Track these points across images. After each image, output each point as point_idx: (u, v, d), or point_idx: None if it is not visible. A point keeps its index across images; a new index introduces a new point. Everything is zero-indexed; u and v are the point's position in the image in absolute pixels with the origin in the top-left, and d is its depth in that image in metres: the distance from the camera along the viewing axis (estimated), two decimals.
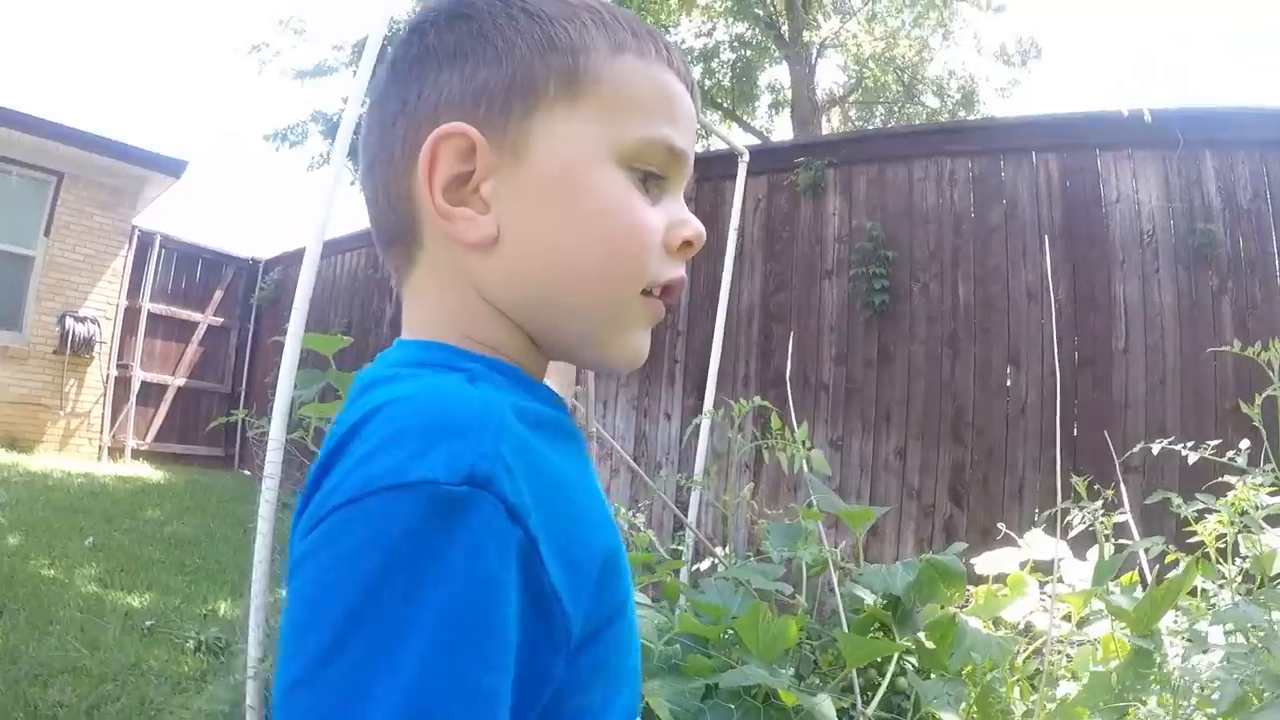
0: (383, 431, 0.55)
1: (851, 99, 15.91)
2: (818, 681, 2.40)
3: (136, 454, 11.48)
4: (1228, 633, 2.04)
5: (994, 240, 5.07)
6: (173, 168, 11.31)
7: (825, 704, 1.94)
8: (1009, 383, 4.87)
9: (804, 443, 2.82)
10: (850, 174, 5.79)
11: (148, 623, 4.42)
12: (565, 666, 0.56)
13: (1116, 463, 3.19)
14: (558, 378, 0.85)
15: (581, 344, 0.71)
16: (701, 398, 5.37)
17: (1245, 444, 2.43)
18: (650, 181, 0.70)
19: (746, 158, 4.85)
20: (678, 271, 0.71)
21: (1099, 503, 2.66)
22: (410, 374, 0.64)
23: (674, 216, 0.71)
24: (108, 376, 11.16)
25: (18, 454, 9.74)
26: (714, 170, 6.40)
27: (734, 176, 5.54)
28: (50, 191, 10.78)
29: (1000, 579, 2.81)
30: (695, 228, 0.71)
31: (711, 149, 7.41)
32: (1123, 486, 3.02)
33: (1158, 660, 2.05)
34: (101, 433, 11.18)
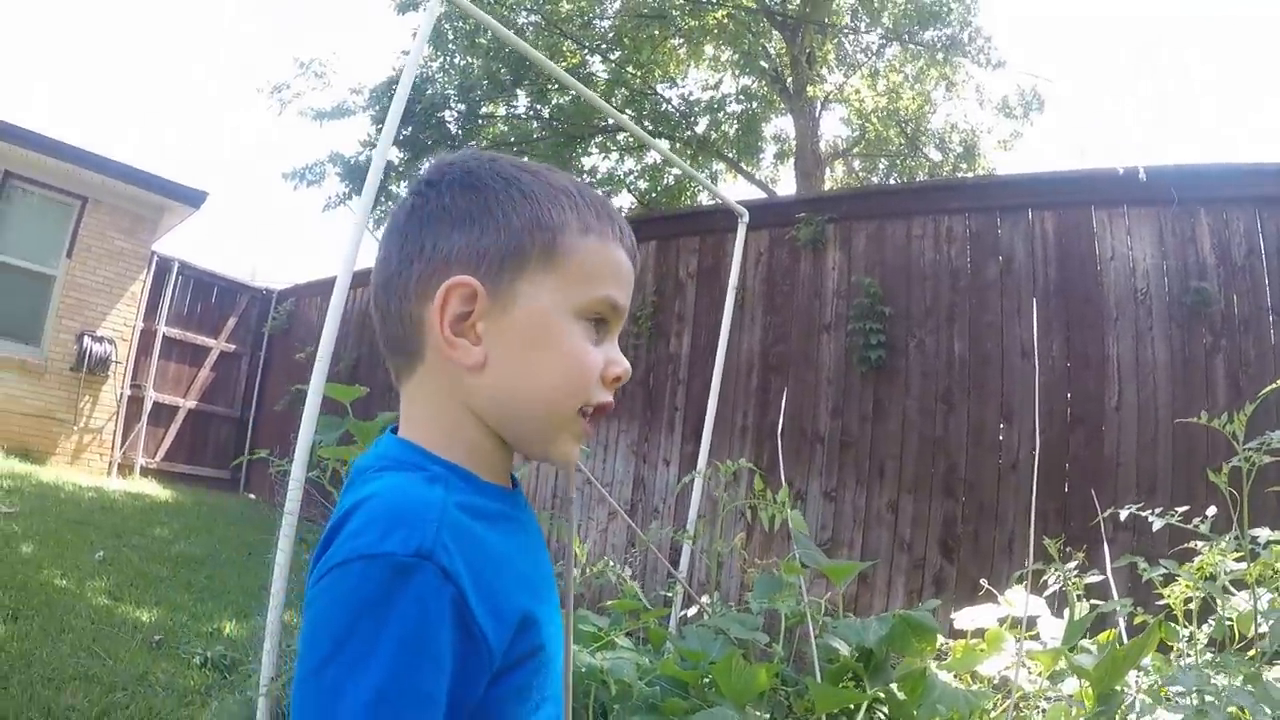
0: (363, 519, 0.80)
1: (855, 152, 16.04)
2: None
3: (145, 471, 11.77)
4: (1186, 692, 2.10)
5: (989, 296, 5.15)
6: (193, 198, 11.66)
7: None
8: (1002, 438, 4.92)
9: (784, 504, 2.89)
10: (850, 229, 5.89)
11: (156, 637, 4.54)
12: (491, 683, 0.80)
13: (1101, 522, 3.25)
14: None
15: (533, 443, 0.94)
16: (699, 445, 5.45)
17: (1212, 510, 2.50)
18: (598, 324, 0.93)
19: (746, 218, 4.95)
20: (608, 397, 0.94)
21: (1072, 564, 2.72)
22: (390, 472, 0.89)
23: (610, 356, 0.94)
24: (121, 395, 11.45)
25: (31, 465, 9.93)
26: (716, 224, 6.53)
27: (735, 230, 5.66)
28: (74, 215, 11.11)
29: (980, 634, 2.87)
30: (624, 367, 0.95)
31: (717, 201, 7.53)
32: (1106, 546, 3.09)
33: (1117, 718, 2.10)
34: (113, 449, 11.42)
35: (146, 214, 11.60)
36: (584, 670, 2.36)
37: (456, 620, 0.75)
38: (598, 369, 0.92)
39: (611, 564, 3.05)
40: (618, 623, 2.97)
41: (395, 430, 0.98)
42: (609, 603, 3.25)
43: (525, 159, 1.01)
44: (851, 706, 2.41)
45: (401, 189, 13.84)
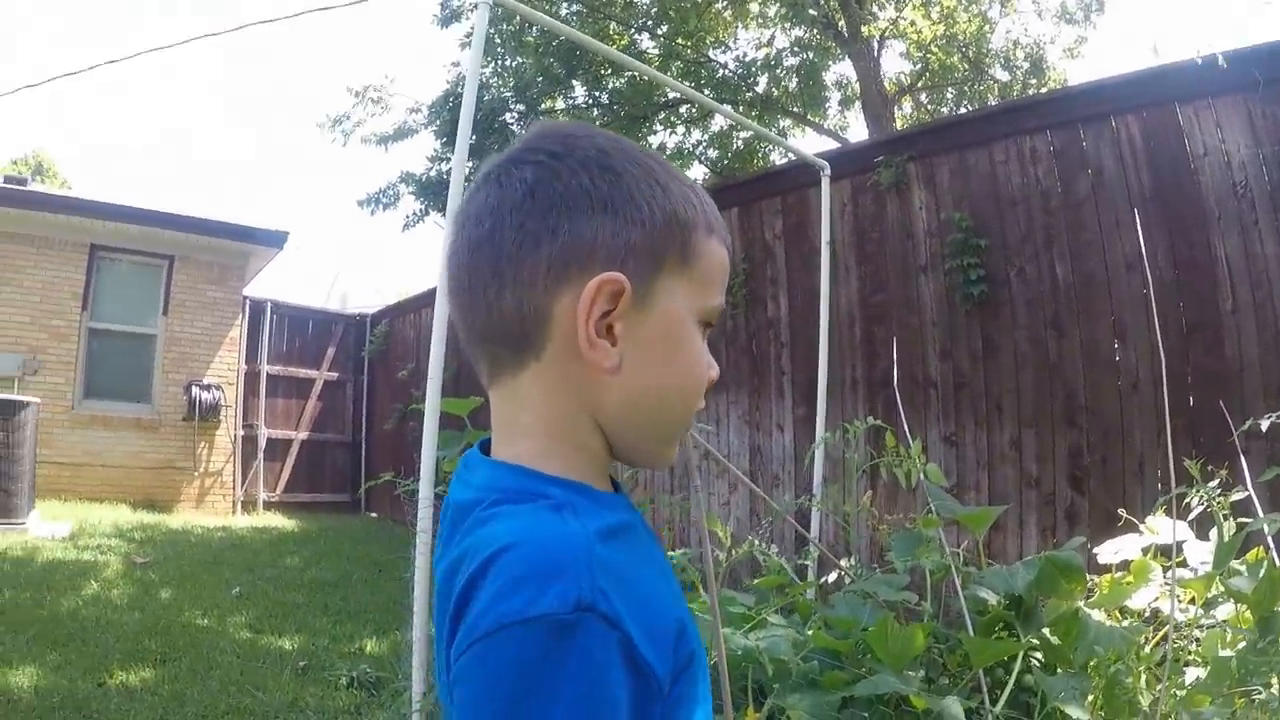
0: (505, 576, 0.72)
1: (920, 85, 15.69)
2: (947, 683, 2.47)
3: (268, 505, 12.32)
4: None
5: (1085, 213, 5.01)
6: (275, 239, 12.24)
7: (954, 705, 2.03)
8: (1118, 358, 4.81)
9: (919, 458, 2.88)
10: (931, 165, 5.80)
11: (301, 663, 4.71)
12: (661, 708, 0.75)
13: (1235, 436, 3.17)
14: None
15: (649, 449, 0.92)
16: (811, 407, 5.44)
17: None
18: (705, 328, 0.91)
19: (828, 171, 4.91)
20: (702, 403, 0.92)
21: (1214, 483, 2.66)
22: (508, 506, 0.81)
23: (708, 359, 0.91)
24: (235, 437, 12.07)
25: (158, 514, 10.50)
26: (795, 180, 6.48)
27: (814, 184, 5.62)
28: (164, 274, 11.75)
29: (1124, 566, 2.83)
30: (716, 369, 0.92)
31: (791, 158, 7.45)
32: (1243, 459, 3.01)
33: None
34: (234, 489, 12.05)
35: (232, 261, 12.20)
36: (739, 653, 2.39)
37: (627, 664, 0.70)
38: (706, 376, 0.90)
39: (756, 543, 3.08)
40: (764, 600, 3.00)
41: (486, 447, 0.93)
42: (755, 581, 3.29)
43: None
44: (1006, 658, 2.41)
45: None
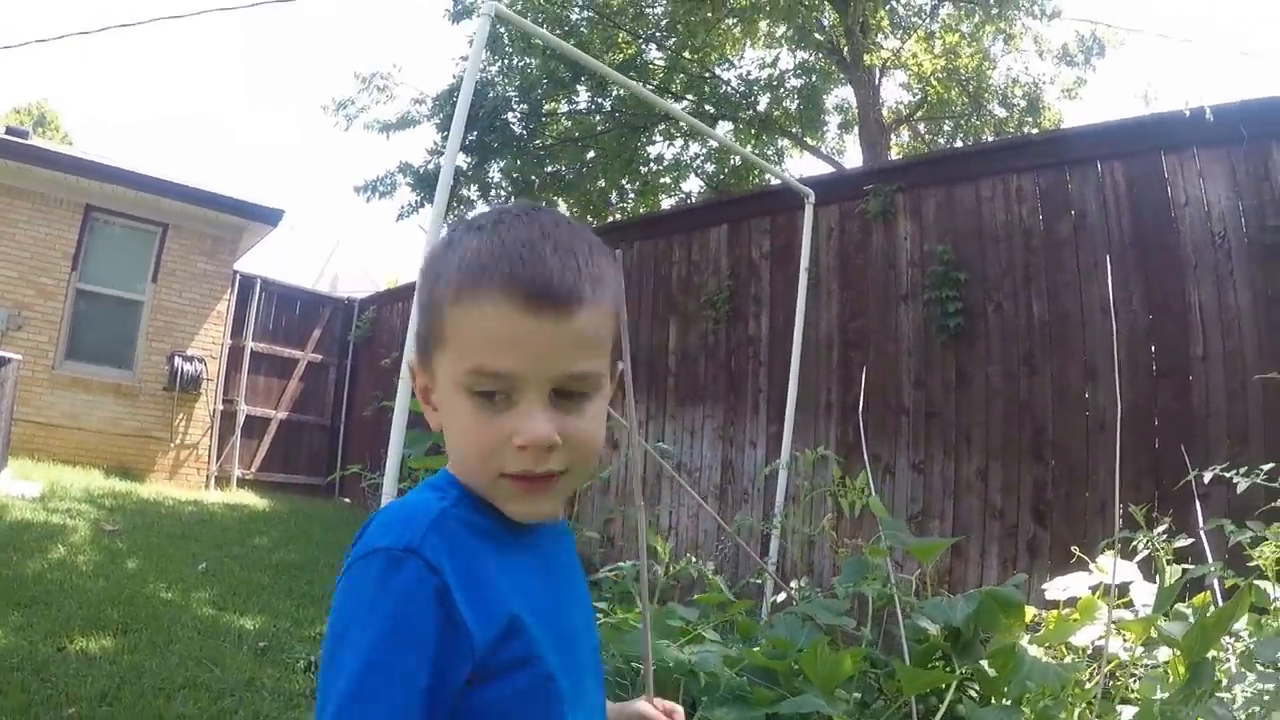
0: (376, 524, 0.93)
1: (918, 116, 15.76)
2: (881, 707, 2.49)
3: (242, 483, 12.23)
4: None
5: (1065, 253, 5.06)
6: (270, 216, 12.19)
7: None
8: (1088, 396, 4.85)
9: (862, 489, 2.91)
10: (919, 197, 5.84)
11: (261, 643, 4.69)
12: (479, 682, 0.87)
13: (1193, 480, 3.20)
14: None
15: (491, 498, 0.97)
16: (784, 425, 5.47)
17: None
18: (489, 395, 0.93)
19: (812, 198, 4.95)
20: (523, 465, 0.93)
21: (1160, 529, 2.69)
22: (418, 490, 1.01)
23: (513, 426, 0.92)
24: (214, 411, 11.95)
25: (130, 482, 10.34)
26: (786, 202, 6.51)
27: (805, 207, 5.66)
28: (156, 241, 11.66)
29: (1072, 603, 2.86)
30: (523, 436, 0.91)
31: (783, 180, 7.50)
32: (1198, 504, 3.04)
33: (1207, 687, 2.09)
34: (209, 463, 11.95)
35: (226, 235, 12.12)
36: (671, 665, 2.41)
37: (439, 605, 0.85)
38: (489, 442, 0.93)
39: (694, 560, 3.10)
40: (707, 615, 3.02)
41: None
42: (696, 596, 3.30)
43: (504, 205, 1.04)
44: (941, 686, 2.43)
45: (472, 193, 14.01)
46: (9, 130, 11.39)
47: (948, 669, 2.48)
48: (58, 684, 3.64)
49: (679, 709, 1.23)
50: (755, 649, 2.65)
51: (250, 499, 11.25)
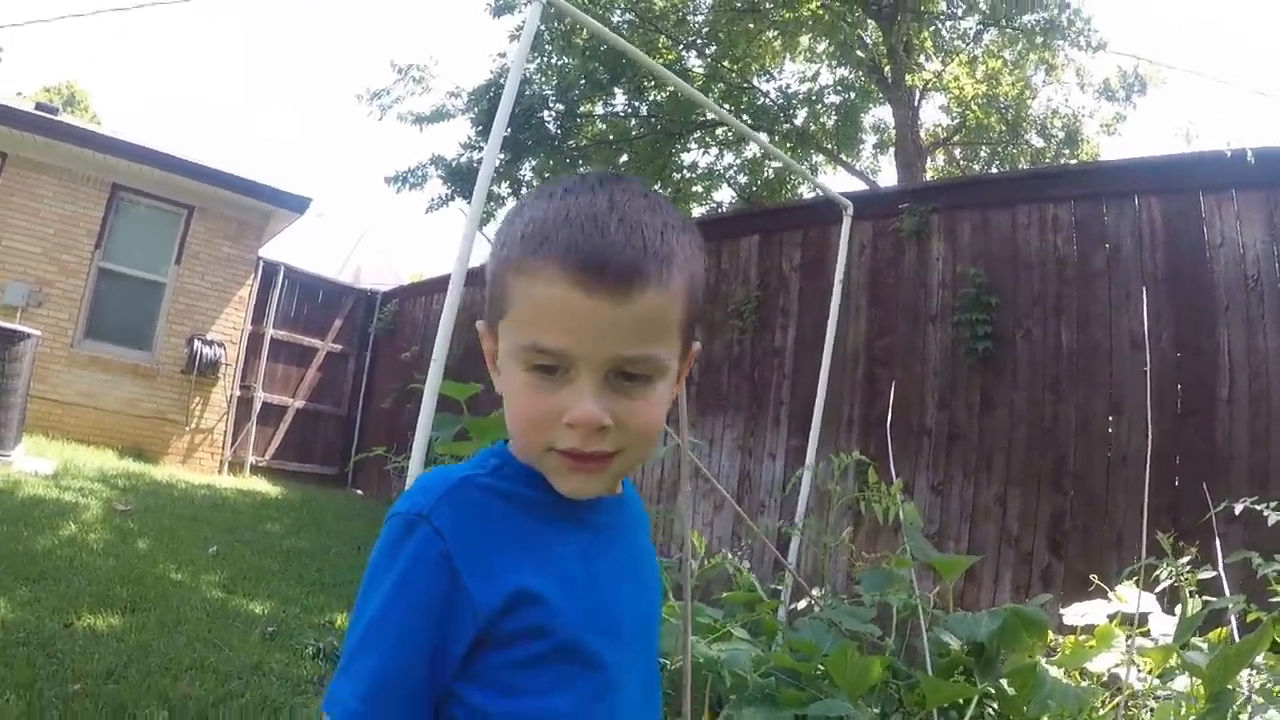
0: (411, 488, 0.99)
1: (955, 140, 15.78)
2: (900, 719, 2.53)
3: (255, 469, 12.29)
4: None
5: (1097, 285, 5.08)
6: (297, 204, 12.22)
7: None
8: (1111, 430, 4.87)
9: (896, 495, 2.94)
10: (954, 219, 5.87)
11: (269, 628, 4.68)
12: (485, 648, 0.91)
13: (1214, 516, 3.23)
14: None
15: (540, 470, 0.99)
16: (805, 439, 5.50)
17: None
18: (545, 370, 0.92)
19: (851, 210, 4.98)
20: (570, 443, 0.93)
21: (1184, 560, 2.72)
22: (467, 460, 1.05)
23: (564, 403, 0.92)
24: (231, 396, 12.00)
25: (144, 464, 10.43)
26: (819, 216, 6.56)
27: (838, 222, 5.69)
28: (182, 223, 11.70)
29: (1089, 630, 2.89)
30: (573, 415, 0.91)
31: (818, 193, 7.52)
32: (1218, 541, 3.07)
33: (1228, 716, 2.12)
34: (223, 448, 12.00)
35: (252, 220, 12.16)
36: (700, 661, 2.44)
37: (442, 569, 0.90)
38: (540, 416, 0.93)
39: (729, 555, 3.14)
40: (731, 615, 3.06)
41: None
42: (723, 595, 3.34)
43: (583, 171, 1.04)
44: (961, 701, 2.47)
45: (503, 189, 14.07)
46: (39, 106, 11.46)
47: (970, 684, 2.51)
48: (64, 660, 3.64)
49: None
50: (780, 650, 2.68)
51: (263, 486, 11.30)
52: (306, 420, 13.06)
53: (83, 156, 10.77)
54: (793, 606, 3.85)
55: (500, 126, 3.37)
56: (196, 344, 11.40)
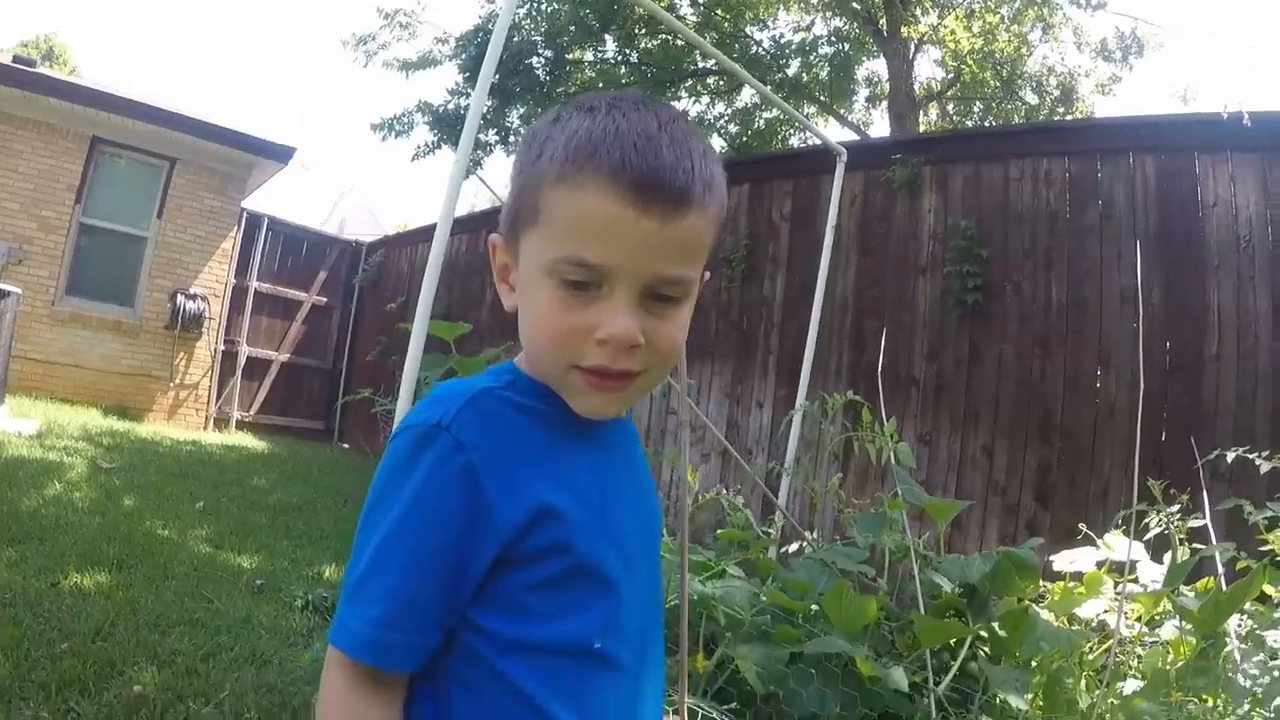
0: (420, 402, 0.96)
1: (949, 94, 15.70)
2: (893, 660, 2.55)
3: (241, 424, 12.22)
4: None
5: (1089, 241, 5.08)
6: (280, 154, 11.98)
7: (898, 674, 2.11)
8: (1099, 385, 4.90)
9: (892, 436, 2.96)
10: (947, 172, 5.85)
11: (257, 582, 4.68)
12: (507, 566, 0.89)
13: (1200, 469, 3.26)
14: None
15: (556, 387, 0.97)
16: (793, 388, 5.51)
17: None
18: (577, 285, 0.90)
19: (845, 158, 4.95)
20: (598, 360, 0.92)
21: (1175, 507, 2.75)
22: (478, 375, 1.01)
23: (596, 320, 0.90)
24: (216, 351, 11.87)
25: (129, 422, 10.36)
26: (810, 166, 6.53)
27: (830, 171, 5.67)
28: (163, 176, 11.45)
29: (1077, 576, 2.92)
30: (607, 331, 0.90)
31: (809, 143, 7.49)
32: (1205, 494, 3.10)
33: (1219, 661, 2.15)
34: (208, 404, 11.89)
35: (235, 172, 11.93)
36: (695, 598, 2.46)
37: (465, 481, 0.87)
38: (568, 332, 0.91)
39: (724, 491, 3.16)
40: (724, 554, 3.08)
41: None
42: (717, 533, 3.36)
43: (630, 91, 0.97)
44: (953, 641, 2.50)
45: (490, 136, 13.95)
46: (15, 59, 11.08)
47: (962, 626, 2.54)
48: (51, 619, 3.62)
49: None
50: (775, 589, 2.70)
51: (249, 441, 11.26)
52: (291, 374, 12.96)
53: (61, 110, 10.52)
54: (784, 549, 3.88)
55: (488, 72, 3.31)
56: (179, 299, 11.22)
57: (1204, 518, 2.86)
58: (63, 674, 3.09)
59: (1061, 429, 4.95)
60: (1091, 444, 4.82)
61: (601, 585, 0.95)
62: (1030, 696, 2.37)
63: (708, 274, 1.03)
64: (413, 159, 14.30)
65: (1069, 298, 5.09)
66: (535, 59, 13.59)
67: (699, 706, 2.26)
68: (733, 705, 2.43)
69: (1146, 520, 2.82)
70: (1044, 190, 5.35)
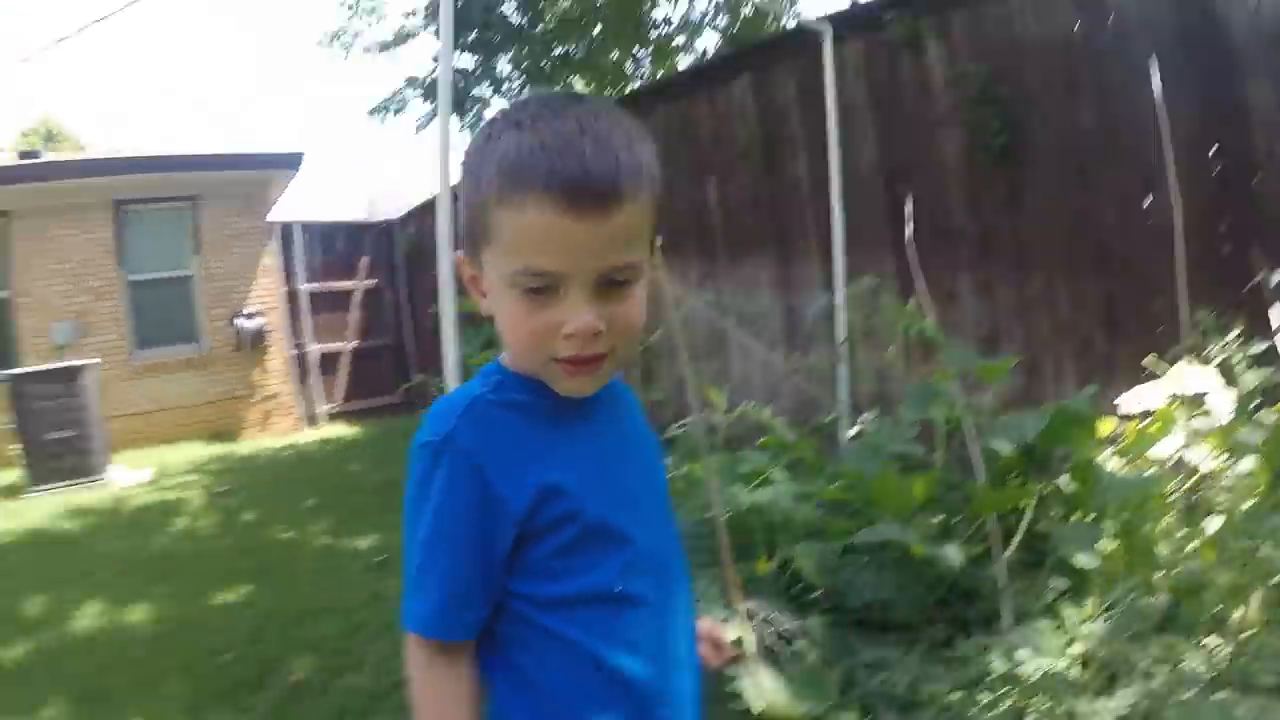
0: (425, 418, 1.11)
1: None
2: (954, 536, 2.45)
3: (330, 417, 12.75)
4: None
5: (1108, 59, 4.76)
6: (291, 162, 12.36)
7: (951, 551, 2.04)
8: (1147, 205, 4.63)
9: (914, 313, 2.84)
10: (945, 20, 5.52)
11: (377, 559, 5.07)
12: (528, 542, 1.06)
13: (1260, 281, 3.07)
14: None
15: (543, 377, 1.09)
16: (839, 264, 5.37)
17: None
18: (535, 291, 1.01)
19: (830, 34, 4.77)
20: (572, 351, 1.03)
21: (1232, 335, 2.58)
22: (471, 381, 1.17)
23: (559, 318, 1.02)
24: (287, 358, 12.37)
25: (228, 444, 11.07)
26: (808, 43, 6.23)
27: (833, 43, 5.44)
28: (189, 215, 11.95)
29: (1148, 415, 2.79)
30: (572, 326, 1.01)
31: (800, 19, 7.20)
32: (1270, 311, 2.92)
33: None
34: (295, 407, 12.45)
35: (254, 191, 12.34)
36: (744, 510, 2.41)
37: (475, 482, 1.03)
38: (538, 332, 1.03)
39: (753, 404, 3.10)
40: (778, 458, 3.00)
41: None
42: (760, 441, 3.29)
43: (541, 94, 1.05)
44: (1018, 505, 2.39)
45: (485, 91, 13.79)
46: (22, 155, 12.03)
47: (1023, 488, 2.43)
48: (214, 635, 4.12)
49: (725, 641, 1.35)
50: (825, 485, 2.63)
51: (340, 430, 11.91)
52: (363, 358, 13.45)
53: (77, 186, 11.06)
54: (848, 436, 3.80)
55: (447, 34, 3.29)
56: (239, 321, 11.79)
57: (1270, 337, 2.69)
58: (234, 679, 3.57)
59: (1119, 257, 4.71)
60: (1152, 268, 4.53)
61: (613, 539, 1.10)
62: (1110, 549, 2.26)
63: (659, 239, 1.16)
64: (417, 131, 14.39)
65: (1100, 122, 4.80)
66: (507, 5, 13.38)
67: (757, 608, 2.24)
68: (801, 601, 2.40)
69: (1208, 350, 2.67)
70: (1050, 16, 5.01)
